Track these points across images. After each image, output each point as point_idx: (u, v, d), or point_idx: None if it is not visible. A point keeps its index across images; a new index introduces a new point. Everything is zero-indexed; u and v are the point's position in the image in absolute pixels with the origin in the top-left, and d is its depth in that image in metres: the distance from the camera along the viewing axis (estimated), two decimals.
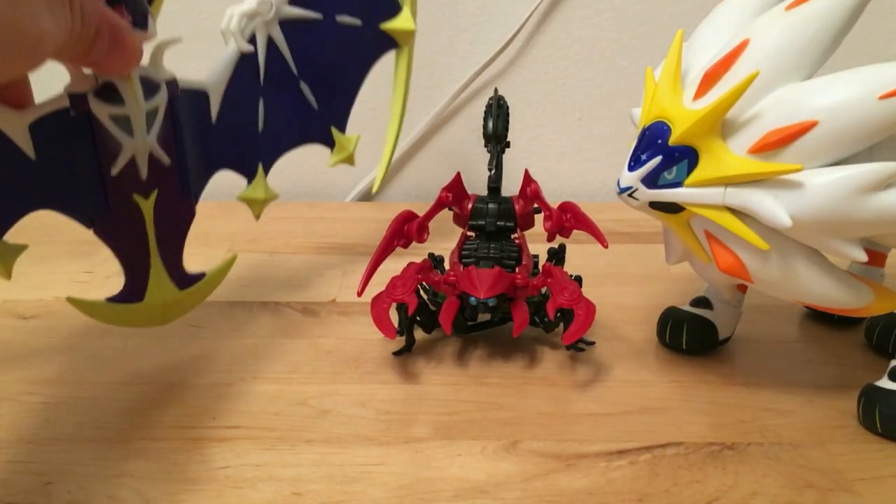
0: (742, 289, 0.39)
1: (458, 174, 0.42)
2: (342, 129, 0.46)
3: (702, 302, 0.39)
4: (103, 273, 0.49)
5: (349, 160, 0.46)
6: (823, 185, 0.28)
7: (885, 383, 0.33)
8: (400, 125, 0.49)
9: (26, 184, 0.32)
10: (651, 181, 0.31)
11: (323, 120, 0.45)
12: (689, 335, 0.39)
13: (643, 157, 0.32)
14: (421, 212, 0.42)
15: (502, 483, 0.30)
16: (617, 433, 0.33)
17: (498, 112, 0.42)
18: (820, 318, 0.43)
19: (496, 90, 0.44)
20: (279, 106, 0.42)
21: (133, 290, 0.36)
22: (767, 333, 0.42)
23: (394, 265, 0.40)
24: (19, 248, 0.34)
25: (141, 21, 0.31)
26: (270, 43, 0.40)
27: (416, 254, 0.42)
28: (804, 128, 0.28)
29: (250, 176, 0.42)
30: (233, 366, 0.38)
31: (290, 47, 0.41)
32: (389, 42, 0.46)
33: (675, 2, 0.62)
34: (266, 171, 0.42)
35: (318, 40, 0.42)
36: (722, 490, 0.30)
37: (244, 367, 0.38)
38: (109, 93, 0.32)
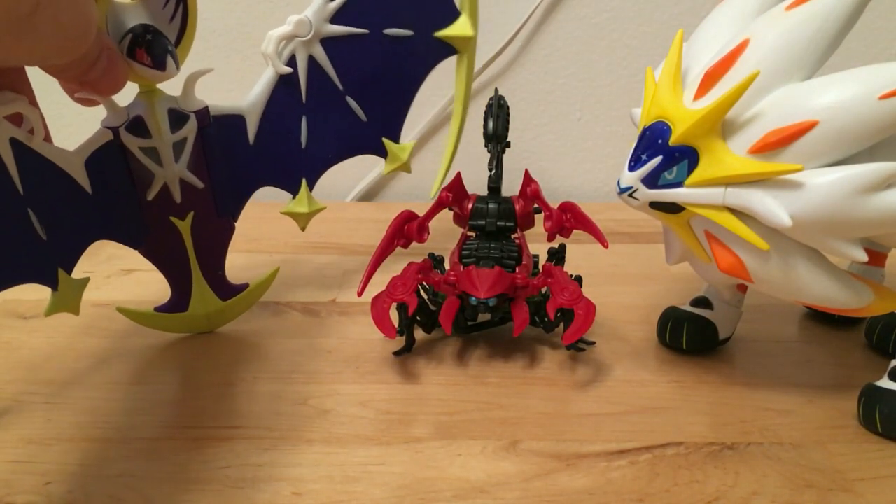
0: (742, 289, 0.39)
1: (459, 174, 0.42)
2: (395, 138, 0.44)
3: (702, 302, 0.39)
4: (104, 273, 0.49)
5: (405, 168, 0.45)
6: (823, 185, 0.28)
7: (885, 383, 0.33)
8: (460, 131, 0.47)
9: (86, 217, 0.35)
10: (651, 181, 0.31)
11: (373, 131, 0.43)
12: (689, 335, 0.39)
13: (643, 157, 0.32)
14: (421, 212, 0.42)
15: (502, 483, 0.30)
16: (617, 433, 0.33)
17: (498, 112, 0.42)
18: (820, 318, 0.43)
19: (496, 90, 0.44)
20: (324, 122, 0.41)
21: (178, 302, 0.40)
22: (767, 333, 0.42)
23: (394, 265, 0.40)
24: (84, 283, 0.36)
25: (159, 63, 0.32)
26: (312, 61, 0.39)
27: (416, 254, 0.42)
28: (804, 128, 0.28)
29: (294, 191, 0.42)
30: (233, 366, 0.38)
31: (335, 63, 0.40)
32: (446, 49, 0.43)
33: (675, 2, 0.62)
34: (311, 185, 0.42)
35: (366, 54, 0.41)
36: (722, 490, 0.30)
37: (244, 367, 0.38)
38: (138, 126, 0.34)
